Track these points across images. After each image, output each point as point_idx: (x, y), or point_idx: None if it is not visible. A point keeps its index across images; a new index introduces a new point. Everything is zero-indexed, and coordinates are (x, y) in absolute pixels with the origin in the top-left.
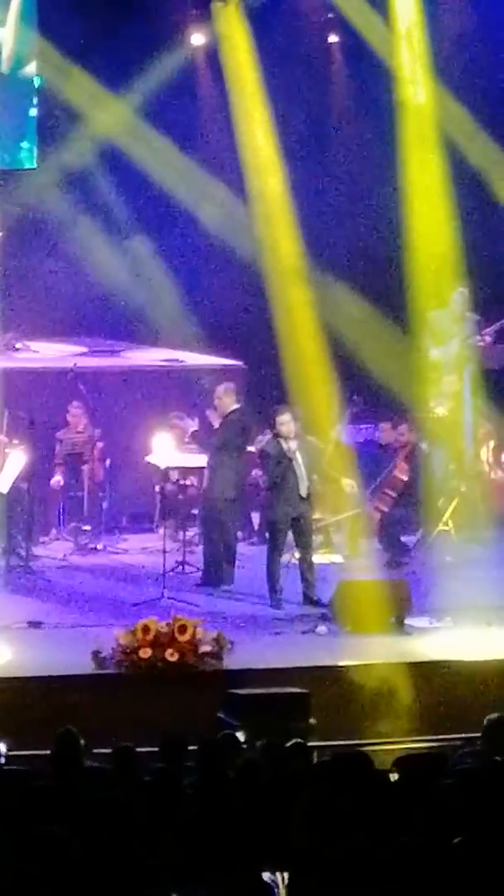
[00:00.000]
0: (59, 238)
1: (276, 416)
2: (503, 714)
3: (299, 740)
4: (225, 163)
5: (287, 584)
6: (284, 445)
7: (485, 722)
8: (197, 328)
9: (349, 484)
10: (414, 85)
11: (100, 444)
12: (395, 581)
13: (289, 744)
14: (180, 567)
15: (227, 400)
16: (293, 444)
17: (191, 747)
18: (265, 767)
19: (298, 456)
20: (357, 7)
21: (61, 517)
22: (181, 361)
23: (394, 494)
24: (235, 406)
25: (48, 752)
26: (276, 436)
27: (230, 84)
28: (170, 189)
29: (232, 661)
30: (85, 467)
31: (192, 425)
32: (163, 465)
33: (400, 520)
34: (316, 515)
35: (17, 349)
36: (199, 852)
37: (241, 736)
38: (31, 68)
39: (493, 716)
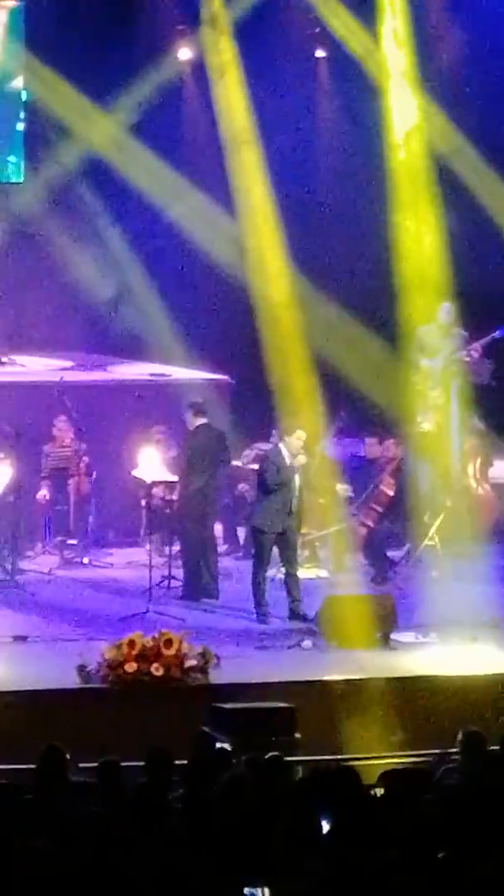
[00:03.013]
0: (45, 252)
1: (288, 431)
2: (475, 728)
3: (276, 753)
4: (212, 178)
5: (273, 598)
6: (288, 459)
7: (459, 736)
8: (184, 343)
9: (343, 488)
10: (401, 100)
11: (86, 459)
12: (381, 596)
13: (266, 756)
14: (166, 581)
15: (192, 416)
16: (298, 461)
17: (176, 762)
18: (250, 782)
19: (297, 475)
20: (344, 22)
21: (47, 531)
22: (167, 376)
23: (380, 509)
24: (202, 421)
25: (33, 766)
26: (278, 446)
27: (217, 99)
28: (156, 203)
29: (217, 676)
30: (71, 481)
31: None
32: (149, 480)
33: (386, 535)
34: (302, 530)
35: (3, 363)
36: (182, 867)
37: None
38: (18, 82)
39: (467, 729)
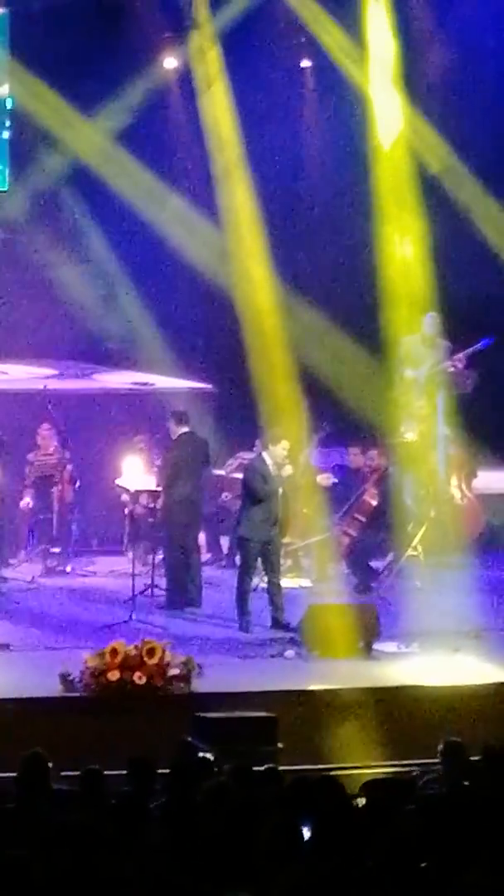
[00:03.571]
0: (29, 260)
1: (273, 440)
2: (456, 738)
3: (272, 765)
4: (197, 186)
5: (255, 607)
6: (273, 469)
7: (440, 746)
8: (168, 352)
9: (325, 477)
10: (387, 110)
11: (69, 467)
12: (364, 606)
13: (262, 768)
14: (149, 590)
15: (174, 425)
16: (285, 472)
17: (159, 770)
18: (233, 791)
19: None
20: (330, 32)
21: (30, 539)
22: (151, 385)
23: (363, 519)
24: (185, 430)
25: (15, 774)
26: (262, 455)
27: (203, 108)
28: (142, 212)
29: (200, 685)
30: (54, 489)
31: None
32: (132, 488)
33: (369, 544)
34: (285, 539)
35: None
36: (164, 875)
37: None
38: (3, 90)
39: (449, 739)
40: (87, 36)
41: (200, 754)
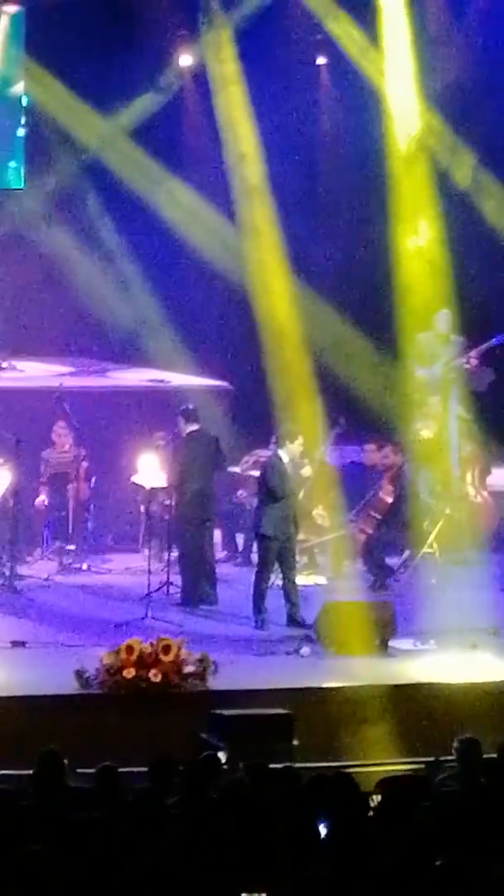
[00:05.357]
0: (45, 258)
1: (289, 437)
2: (472, 735)
3: (289, 764)
4: (213, 183)
5: (271, 605)
6: (289, 466)
7: (456, 743)
8: (184, 349)
9: (319, 515)
10: (403, 107)
11: (85, 464)
12: (380, 603)
13: (279, 766)
14: (165, 587)
15: (183, 423)
16: (305, 472)
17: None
18: (249, 788)
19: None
20: (346, 29)
21: (46, 537)
22: (167, 382)
23: (378, 516)
24: (194, 427)
25: (31, 771)
26: (278, 452)
27: (218, 104)
28: (157, 209)
29: (216, 682)
30: (70, 487)
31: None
32: (148, 486)
33: (384, 542)
34: (300, 536)
35: (3, 368)
36: (181, 872)
37: (222, 756)
38: (18, 88)
39: (465, 736)
40: (101, 33)
41: (208, 753)
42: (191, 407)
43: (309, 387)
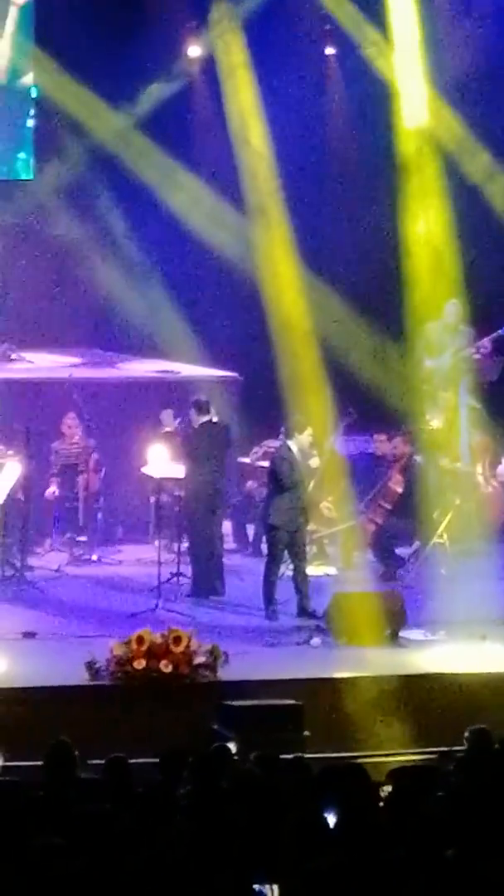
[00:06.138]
0: (55, 249)
1: (298, 427)
2: (483, 726)
3: (300, 755)
4: (221, 174)
5: (281, 595)
6: (299, 456)
7: (466, 734)
8: (193, 340)
9: (326, 507)
10: (411, 97)
11: (95, 455)
12: (390, 593)
13: (290, 757)
14: (175, 578)
15: (195, 414)
16: (313, 463)
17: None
18: (260, 779)
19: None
20: (354, 19)
21: (56, 528)
22: (177, 373)
23: (388, 507)
24: (206, 418)
25: (42, 762)
26: (287, 443)
27: (227, 95)
28: (166, 201)
29: (226, 673)
30: (80, 478)
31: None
32: (158, 476)
33: (394, 532)
34: (310, 527)
35: (13, 359)
36: (191, 863)
37: (233, 747)
38: (28, 79)
39: (475, 727)
40: (110, 25)
41: (218, 744)
42: (203, 398)
43: (318, 377)
